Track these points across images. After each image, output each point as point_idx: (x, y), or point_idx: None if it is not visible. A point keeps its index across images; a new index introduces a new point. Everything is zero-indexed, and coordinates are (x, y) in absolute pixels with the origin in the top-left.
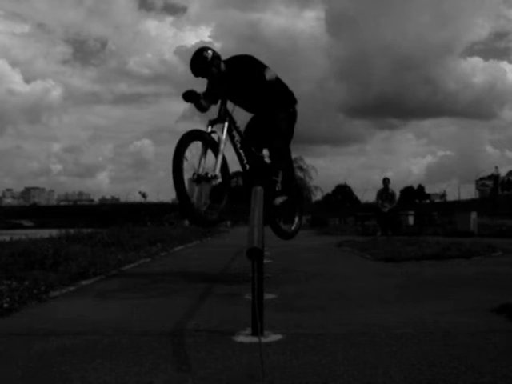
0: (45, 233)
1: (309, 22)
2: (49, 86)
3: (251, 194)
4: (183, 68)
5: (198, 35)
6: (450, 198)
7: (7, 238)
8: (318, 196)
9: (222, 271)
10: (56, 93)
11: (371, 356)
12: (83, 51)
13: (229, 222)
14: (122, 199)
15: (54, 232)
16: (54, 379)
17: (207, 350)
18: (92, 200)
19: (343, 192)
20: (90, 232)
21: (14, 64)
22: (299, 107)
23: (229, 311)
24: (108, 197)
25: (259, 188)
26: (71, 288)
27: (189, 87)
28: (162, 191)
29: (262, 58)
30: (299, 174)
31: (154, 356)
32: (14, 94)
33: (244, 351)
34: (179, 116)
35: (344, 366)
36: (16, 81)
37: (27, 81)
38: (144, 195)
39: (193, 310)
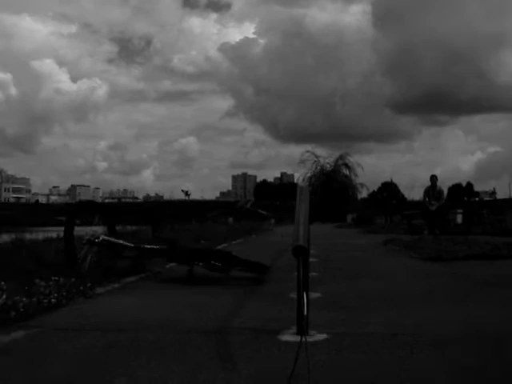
0: (90, 230)
1: (355, 16)
2: (95, 84)
3: (297, 192)
4: (227, 65)
5: (242, 32)
6: (500, 195)
7: (54, 235)
8: (363, 194)
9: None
10: (102, 91)
11: (418, 357)
12: (128, 50)
13: (272, 220)
14: (166, 196)
15: (100, 229)
16: (100, 374)
17: (252, 348)
18: (136, 197)
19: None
20: (134, 229)
21: (61, 64)
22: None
23: (273, 310)
24: (152, 194)
25: (305, 185)
26: (116, 285)
27: (232, 84)
28: (206, 189)
29: (307, 54)
30: (344, 171)
31: (198, 353)
32: (62, 93)
33: (289, 350)
34: (223, 113)
35: (390, 366)
36: (63, 80)
37: (74, 80)
38: (187, 193)
39: (237, 308)
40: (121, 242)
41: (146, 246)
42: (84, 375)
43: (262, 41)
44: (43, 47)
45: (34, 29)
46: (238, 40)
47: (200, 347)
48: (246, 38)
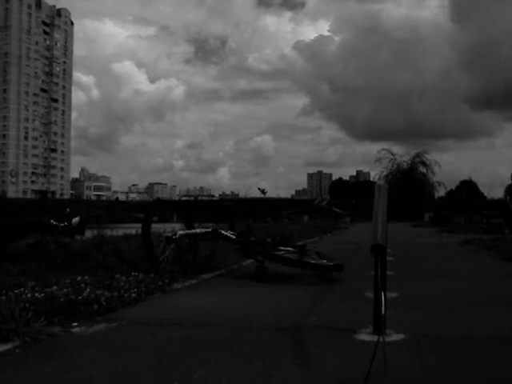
0: (168, 227)
1: (431, 10)
2: (172, 84)
3: (374, 190)
4: (302, 63)
5: (316, 29)
6: None
7: (133, 232)
8: (440, 192)
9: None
10: (179, 91)
11: (500, 361)
12: (204, 50)
13: (348, 218)
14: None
15: (177, 226)
16: (178, 367)
17: (327, 346)
18: (212, 195)
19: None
20: (211, 226)
21: (140, 65)
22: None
23: (349, 308)
24: (228, 192)
25: (383, 183)
26: (193, 281)
27: (307, 82)
28: (281, 187)
29: (382, 50)
30: (421, 169)
31: (274, 350)
32: (140, 94)
33: (365, 349)
34: (298, 111)
35: (470, 369)
36: (142, 81)
37: (152, 80)
38: (263, 191)
39: (312, 306)
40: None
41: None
42: (163, 367)
43: (336, 38)
44: (123, 50)
45: (114, 32)
46: (312, 38)
47: (275, 344)
48: (321, 36)
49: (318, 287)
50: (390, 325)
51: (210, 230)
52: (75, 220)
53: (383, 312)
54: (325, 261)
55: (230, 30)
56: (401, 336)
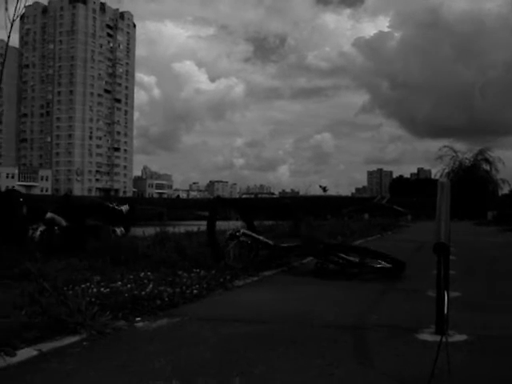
0: (228, 224)
1: (495, 1)
2: (232, 83)
3: (437, 188)
4: (362, 60)
5: (376, 26)
6: None
7: (195, 229)
8: (504, 190)
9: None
10: (238, 90)
11: None
12: (263, 49)
13: (409, 217)
14: (302, 192)
15: (238, 224)
16: (239, 363)
17: (389, 345)
18: (272, 193)
19: None
20: (270, 224)
21: (200, 65)
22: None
23: (411, 307)
24: (288, 190)
25: (446, 181)
26: (254, 278)
27: (367, 79)
28: (341, 184)
29: (444, 44)
30: (484, 166)
31: (334, 348)
32: (201, 93)
33: (427, 349)
34: (358, 108)
35: None
36: (202, 80)
37: (212, 80)
38: (325, 189)
39: (373, 304)
40: (261, 238)
41: (283, 245)
42: (224, 362)
43: (397, 34)
44: (183, 50)
45: (174, 33)
46: (372, 34)
47: (336, 342)
48: (381, 32)
49: (379, 285)
50: (453, 325)
51: (271, 243)
52: (125, 207)
53: (446, 312)
54: (386, 263)
55: (288, 28)
56: (463, 337)
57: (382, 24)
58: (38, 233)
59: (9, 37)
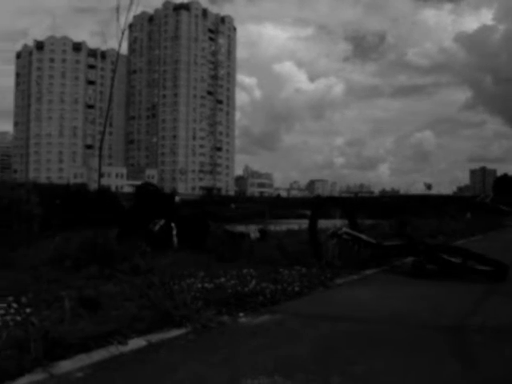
0: (328, 223)
1: None
2: (331, 83)
3: None
4: (464, 55)
5: (478, 20)
6: None
7: (295, 227)
8: None
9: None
10: (338, 89)
11: None
12: (362, 47)
13: None
14: (402, 191)
15: (338, 222)
16: (339, 360)
17: (493, 348)
18: (372, 192)
19: None
20: (372, 223)
21: (299, 65)
22: None
23: None
24: (388, 189)
25: None
26: (355, 276)
27: (470, 75)
28: (443, 183)
29: None
30: None
31: (435, 349)
32: (301, 93)
33: None
34: (460, 105)
35: None
36: (302, 80)
37: (311, 79)
38: (429, 186)
39: (475, 306)
40: (363, 237)
41: (385, 244)
42: (325, 359)
43: (501, 27)
44: (283, 51)
45: (274, 35)
46: (475, 28)
47: (437, 343)
48: (484, 26)
49: (480, 286)
50: None
51: (374, 241)
52: (254, 234)
53: None
54: (488, 266)
55: (387, 25)
56: None
57: (486, 17)
58: (158, 227)
59: (120, 45)
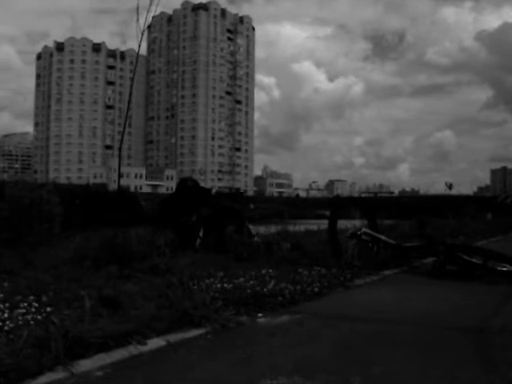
0: (348, 224)
1: None
2: (350, 82)
3: None
4: (485, 53)
5: (500, 17)
6: None
7: (314, 228)
8: None
9: None
10: (357, 88)
11: None
12: (382, 46)
13: None
14: (422, 191)
15: (358, 223)
16: (359, 361)
17: None
18: (392, 192)
19: None
20: (391, 223)
21: (318, 64)
22: None
23: None
24: (407, 189)
25: None
26: (374, 277)
27: (491, 73)
28: (463, 183)
29: None
30: None
31: (456, 351)
32: (320, 93)
33: None
34: (481, 105)
35: None
36: (321, 80)
37: (330, 79)
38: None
39: (497, 307)
40: (383, 237)
41: (405, 245)
42: (344, 360)
43: None
44: (302, 50)
45: (293, 34)
46: (496, 26)
47: (459, 345)
48: (506, 23)
49: (503, 288)
50: None
51: (393, 242)
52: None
53: None
54: (510, 266)
55: (407, 24)
56: None
57: (507, 14)
58: (193, 219)
59: (139, 46)
